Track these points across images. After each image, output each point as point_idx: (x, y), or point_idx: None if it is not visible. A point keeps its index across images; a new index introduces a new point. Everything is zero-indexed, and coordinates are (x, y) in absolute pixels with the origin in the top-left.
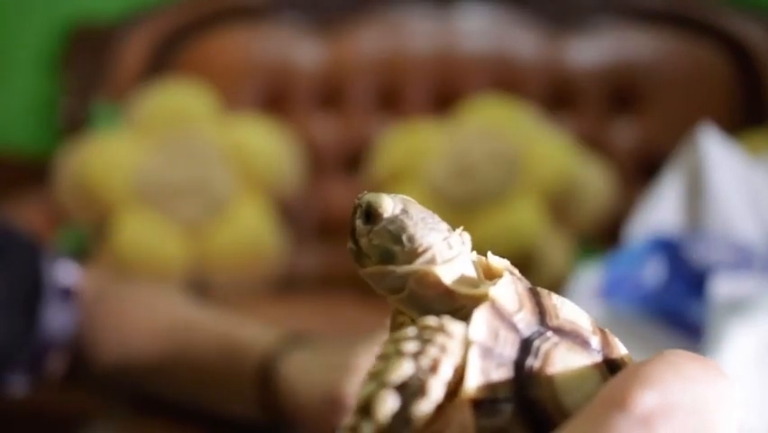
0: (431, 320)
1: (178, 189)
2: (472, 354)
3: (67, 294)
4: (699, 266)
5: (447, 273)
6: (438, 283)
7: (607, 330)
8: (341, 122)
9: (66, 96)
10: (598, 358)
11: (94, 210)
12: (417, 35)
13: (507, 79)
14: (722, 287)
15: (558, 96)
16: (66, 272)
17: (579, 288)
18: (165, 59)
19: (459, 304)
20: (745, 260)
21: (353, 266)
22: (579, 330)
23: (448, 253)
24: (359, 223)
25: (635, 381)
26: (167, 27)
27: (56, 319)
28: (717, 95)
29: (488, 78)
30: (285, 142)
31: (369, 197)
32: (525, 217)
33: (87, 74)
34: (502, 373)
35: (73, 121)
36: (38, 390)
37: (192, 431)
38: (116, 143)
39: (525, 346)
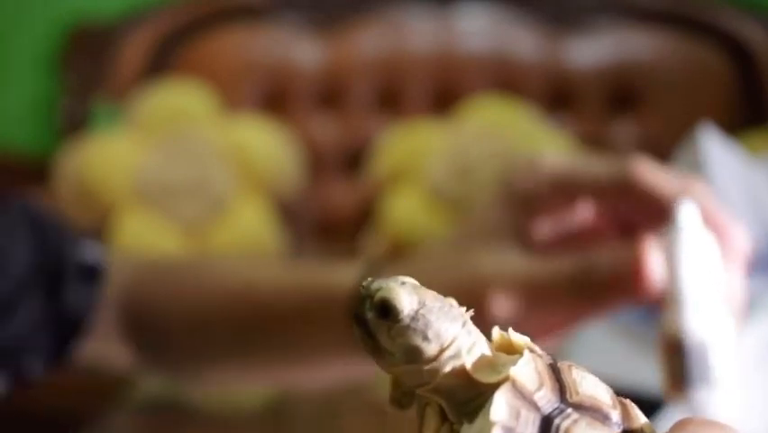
0: None
1: (178, 189)
2: None
3: (92, 272)
4: None
5: (470, 361)
6: (464, 373)
7: (627, 401)
8: (341, 122)
9: (66, 96)
10: (617, 432)
11: (94, 210)
12: (417, 35)
13: (507, 79)
14: None
15: (558, 96)
16: (90, 251)
17: None
18: (165, 59)
19: (482, 388)
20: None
21: (373, 360)
22: (599, 405)
23: (469, 340)
24: (371, 316)
25: None
26: (167, 27)
27: (80, 299)
28: (717, 95)
29: (488, 78)
30: (285, 142)
31: (381, 291)
32: None
33: (87, 74)
34: None
35: (73, 121)
36: (53, 377)
37: (192, 431)
38: (116, 143)
39: (546, 424)
